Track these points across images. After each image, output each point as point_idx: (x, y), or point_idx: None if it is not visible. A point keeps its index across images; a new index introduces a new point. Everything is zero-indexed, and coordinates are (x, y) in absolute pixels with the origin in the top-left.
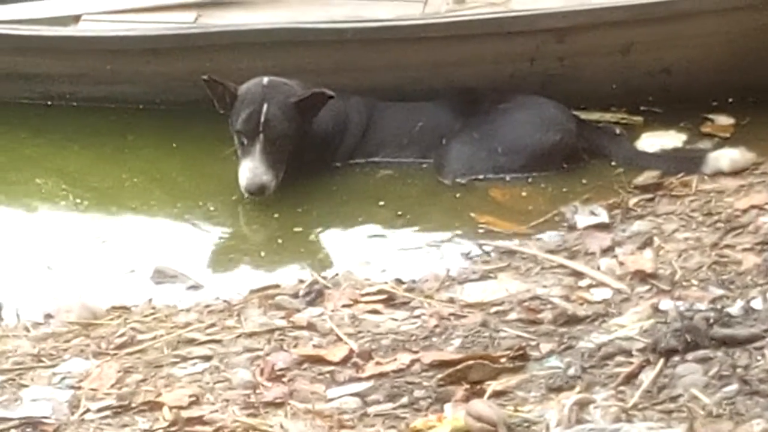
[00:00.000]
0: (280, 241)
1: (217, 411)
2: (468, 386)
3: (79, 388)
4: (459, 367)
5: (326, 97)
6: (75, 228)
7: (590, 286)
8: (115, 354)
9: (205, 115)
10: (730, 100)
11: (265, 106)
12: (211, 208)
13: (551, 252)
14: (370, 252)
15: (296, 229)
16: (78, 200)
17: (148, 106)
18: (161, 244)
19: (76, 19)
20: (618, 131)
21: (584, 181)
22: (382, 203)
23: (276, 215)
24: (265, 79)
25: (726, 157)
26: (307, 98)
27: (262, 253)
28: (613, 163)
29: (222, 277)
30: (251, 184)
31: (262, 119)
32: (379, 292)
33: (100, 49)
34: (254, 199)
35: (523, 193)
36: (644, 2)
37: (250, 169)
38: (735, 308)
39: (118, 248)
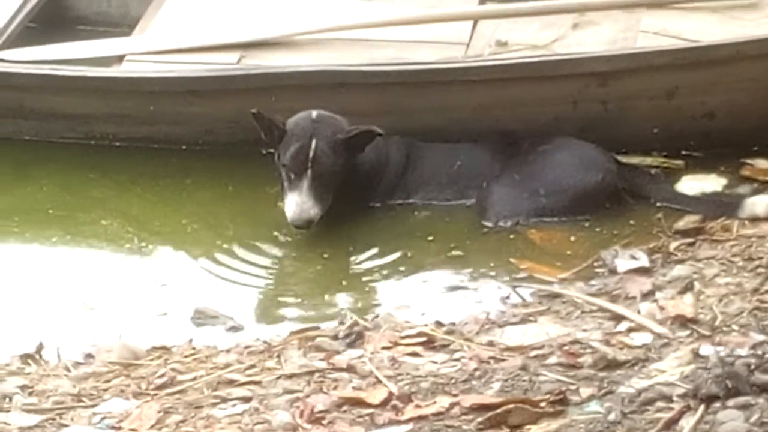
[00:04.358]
0: (322, 282)
1: None
2: (508, 430)
3: (119, 428)
4: (499, 411)
5: (374, 135)
6: (134, 270)
7: (630, 330)
8: (155, 394)
9: (253, 156)
10: None
11: (314, 142)
12: (261, 250)
13: (592, 296)
14: (410, 294)
15: (339, 270)
16: (143, 244)
17: (190, 147)
18: (208, 286)
19: (120, 59)
20: (653, 172)
21: (631, 222)
22: (425, 245)
23: (325, 255)
24: (314, 113)
25: (763, 202)
26: (355, 135)
27: (305, 295)
28: (658, 204)
29: (263, 318)
30: (298, 219)
31: (311, 155)
32: (419, 334)
33: (143, 90)
34: (300, 231)
35: (570, 238)
36: (689, 47)
37: (297, 204)
38: None
39: (167, 290)
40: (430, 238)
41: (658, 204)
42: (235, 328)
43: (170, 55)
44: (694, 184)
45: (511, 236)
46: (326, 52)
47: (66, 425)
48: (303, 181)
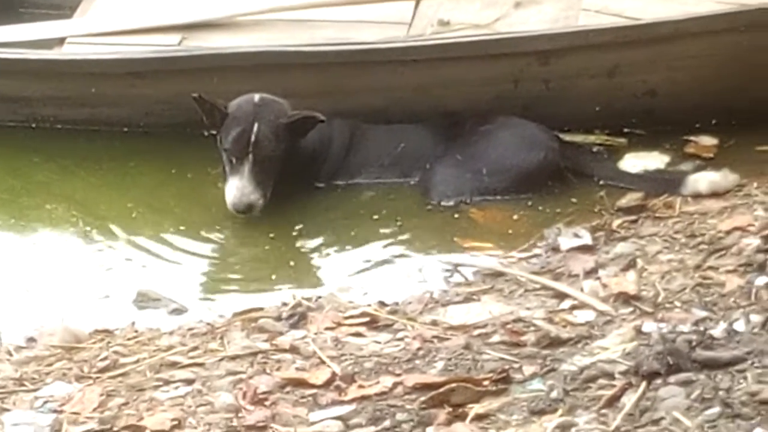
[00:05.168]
0: (269, 262)
1: None
2: (450, 409)
3: (62, 411)
4: (441, 390)
5: (317, 121)
6: (78, 253)
7: (573, 308)
8: (98, 377)
9: (196, 137)
10: (714, 122)
11: (255, 126)
12: (206, 231)
13: (535, 274)
14: (354, 274)
15: (286, 250)
16: (87, 227)
17: (132, 130)
18: (153, 269)
19: (61, 41)
20: (595, 150)
21: (574, 200)
22: (369, 224)
23: (271, 235)
24: (257, 97)
25: (705, 179)
26: (298, 120)
27: (250, 275)
28: (600, 182)
29: (206, 300)
30: (238, 203)
31: (252, 139)
32: (362, 314)
33: (84, 72)
34: (242, 216)
35: (513, 216)
36: (629, 24)
37: (238, 188)
38: (718, 330)
39: (111, 273)
40: (375, 217)
41: (601, 182)
42: (178, 311)
43: (112, 37)
44: (636, 162)
45: (455, 215)
46: (268, 33)
47: (8, 409)
48: (244, 166)
